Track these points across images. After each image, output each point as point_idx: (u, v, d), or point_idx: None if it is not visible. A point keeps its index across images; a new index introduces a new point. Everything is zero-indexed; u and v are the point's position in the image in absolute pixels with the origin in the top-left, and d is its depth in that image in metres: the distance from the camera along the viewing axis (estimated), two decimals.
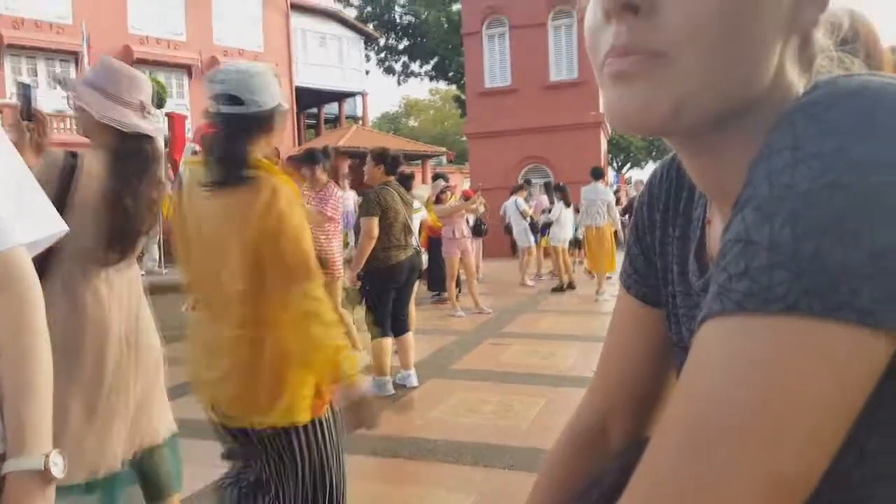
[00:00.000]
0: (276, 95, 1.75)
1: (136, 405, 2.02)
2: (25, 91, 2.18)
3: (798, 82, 0.48)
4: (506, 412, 4.14)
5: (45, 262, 1.93)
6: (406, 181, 6.48)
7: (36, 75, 19.33)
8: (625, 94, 0.45)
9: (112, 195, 1.97)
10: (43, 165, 1.99)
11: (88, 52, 16.68)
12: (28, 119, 2.13)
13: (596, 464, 0.71)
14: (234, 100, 1.69)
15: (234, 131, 1.68)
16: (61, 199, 1.92)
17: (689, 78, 0.43)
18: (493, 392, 4.60)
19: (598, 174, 9.13)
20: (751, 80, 0.45)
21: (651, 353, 0.70)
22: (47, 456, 0.91)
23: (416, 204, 6.00)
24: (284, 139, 24.05)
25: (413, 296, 5.03)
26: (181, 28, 21.44)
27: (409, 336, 4.83)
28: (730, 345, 0.38)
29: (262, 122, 1.71)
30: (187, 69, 20.65)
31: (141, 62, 19.86)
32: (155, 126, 2.11)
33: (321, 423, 1.75)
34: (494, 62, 17.43)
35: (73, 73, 19.51)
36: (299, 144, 22.35)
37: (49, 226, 1.04)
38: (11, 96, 17.53)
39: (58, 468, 0.92)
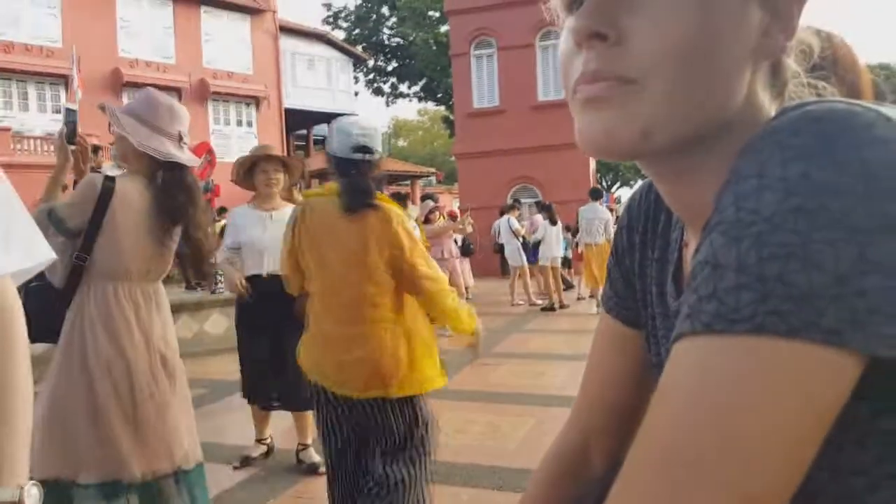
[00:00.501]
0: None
1: (172, 422, 2.10)
2: (70, 117, 2.25)
3: (769, 107, 0.49)
4: (494, 432, 4.12)
5: (74, 277, 2.07)
6: (400, 201, 6.52)
7: (26, 98, 19.31)
8: (594, 120, 0.47)
9: (171, 225, 2.16)
10: (82, 187, 2.11)
11: (78, 76, 16.71)
12: (72, 143, 2.21)
13: (579, 485, 0.71)
14: (368, 150, 2.18)
15: (368, 172, 2.19)
16: (96, 220, 2.07)
17: (657, 103, 0.45)
18: (482, 412, 4.58)
19: (596, 195, 9.60)
20: (719, 106, 0.46)
21: (631, 374, 0.70)
22: (22, 488, 0.90)
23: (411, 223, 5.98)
24: None
25: None
26: (170, 51, 21.53)
27: None
28: (699, 365, 0.38)
29: (378, 165, 2.23)
30: (177, 91, 20.68)
31: (130, 85, 19.91)
32: (189, 156, 2.20)
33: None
34: (482, 83, 17.59)
35: (62, 97, 19.50)
36: None
37: (37, 255, 1.05)
38: (3, 119, 17.50)
39: (32, 500, 0.91)
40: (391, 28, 32.19)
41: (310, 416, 3.34)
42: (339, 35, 30.34)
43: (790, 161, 0.38)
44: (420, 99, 33.51)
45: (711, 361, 0.38)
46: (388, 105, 44.09)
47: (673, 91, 0.45)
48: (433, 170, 28.08)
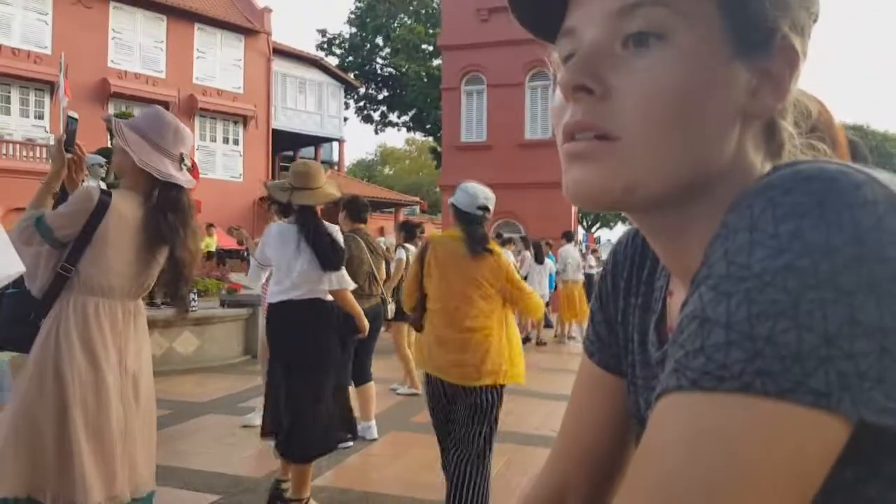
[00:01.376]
0: None
1: (132, 447, 2.05)
2: (72, 125, 2.24)
3: (762, 166, 0.50)
4: None
5: (55, 287, 2.03)
6: (411, 230, 6.55)
7: (9, 103, 19.14)
8: (578, 175, 0.48)
9: (160, 245, 2.14)
10: (77, 198, 2.09)
11: (65, 83, 16.63)
12: (69, 151, 2.19)
13: None
14: (487, 209, 2.97)
15: (483, 225, 2.99)
16: (87, 233, 2.04)
17: (639, 160, 0.46)
18: None
19: (569, 237, 11.05)
20: (702, 163, 0.47)
21: (612, 421, 0.69)
22: None
23: (402, 254, 5.97)
24: (257, 181, 24.08)
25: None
26: (161, 65, 21.56)
27: (371, 386, 4.75)
28: (685, 422, 0.37)
29: (489, 220, 3.06)
30: (165, 105, 20.62)
31: (117, 96, 19.86)
32: (188, 178, 2.19)
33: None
34: (471, 118, 17.80)
35: (46, 103, 19.36)
36: None
37: (6, 267, 1.03)
38: None
39: None
40: (384, 58, 32.60)
41: (308, 470, 3.18)
42: (333, 61, 30.64)
43: (782, 218, 0.38)
44: (409, 129, 33.84)
45: (698, 419, 0.37)
46: (376, 132, 44.53)
47: (655, 148, 0.45)
48: (417, 199, 28.19)
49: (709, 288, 0.39)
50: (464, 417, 2.89)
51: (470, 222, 2.92)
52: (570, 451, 0.71)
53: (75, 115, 2.30)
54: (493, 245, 2.99)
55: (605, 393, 0.69)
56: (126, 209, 2.09)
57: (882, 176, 0.39)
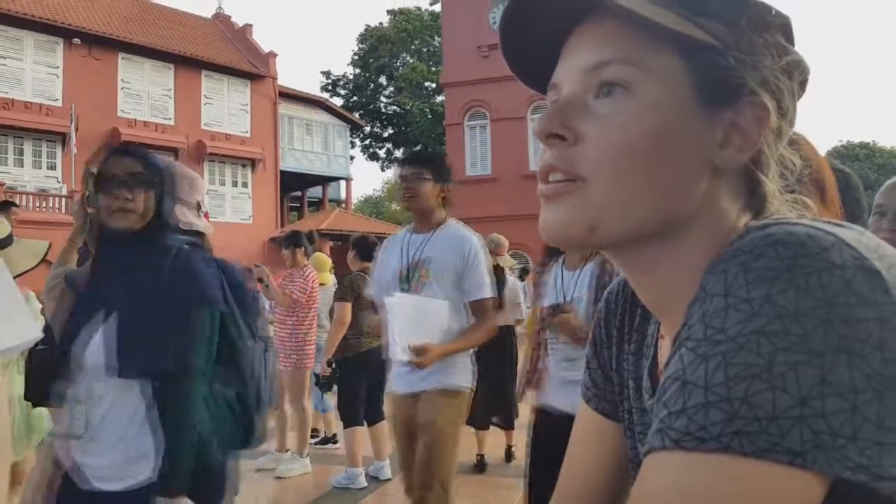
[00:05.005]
0: None
1: None
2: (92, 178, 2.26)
3: (739, 216, 0.51)
4: None
5: None
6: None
7: (21, 154, 19.49)
8: (548, 214, 0.52)
9: None
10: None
11: (76, 134, 16.96)
12: (91, 206, 2.19)
13: None
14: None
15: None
16: None
17: (603, 201, 0.49)
18: (470, 484, 4.46)
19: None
20: (667, 207, 0.49)
21: (610, 468, 0.69)
22: None
23: None
24: (267, 222, 24.10)
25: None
26: (170, 113, 21.94)
27: (384, 425, 4.71)
28: (669, 481, 0.39)
29: None
30: (174, 151, 20.97)
31: (128, 144, 20.14)
32: (205, 223, 2.22)
33: None
34: (475, 152, 17.97)
35: (58, 154, 19.71)
36: (282, 226, 22.49)
37: (26, 332, 1.06)
38: None
39: None
40: (388, 97, 33.05)
41: None
42: (337, 102, 31.09)
43: (753, 283, 0.40)
44: None
45: (680, 478, 0.38)
46: (382, 170, 44.81)
47: (617, 190, 0.49)
48: None
49: (688, 350, 0.41)
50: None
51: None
52: (570, 496, 0.72)
53: (95, 170, 2.33)
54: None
55: (602, 439, 0.70)
56: None
57: (849, 236, 0.41)
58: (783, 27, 0.52)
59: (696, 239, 0.50)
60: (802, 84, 0.53)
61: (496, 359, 4.49)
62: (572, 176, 0.50)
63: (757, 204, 0.52)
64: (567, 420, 2.39)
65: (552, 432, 2.36)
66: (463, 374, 2.59)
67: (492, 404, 4.67)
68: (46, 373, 2.02)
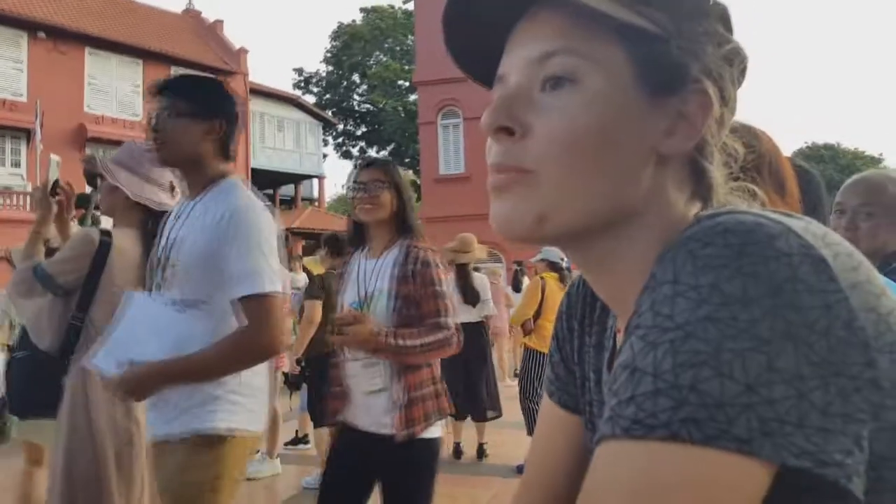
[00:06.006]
0: None
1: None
2: (53, 168, 2.19)
3: (687, 205, 0.52)
4: None
5: (71, 339, 1.94)
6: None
7: None
8: (497, 206, 0.52)
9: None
10: (76, 241, 2.00)
11: (42, 131, 16.57)
12: (55, 194, 2.14)
13: None
14: (564, 260, 4.61)
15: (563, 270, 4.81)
16: (94, 277, 1.95)
17: (550, 193, 0.49)
18: (440, 483, 4.46)
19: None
20: (613, 198, 0.50)
21: (572, 461, 0.70)
22: None
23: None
24: None
25: None
26: (138, 109, 21.56)
27: None
28: (619, 469, 0.39)
29: None
30: None
31: (95, 141, 19.77)
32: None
33: None
34: (449, 150, 17.98)
35: (23, 151, 19.24)
36: None
37: None
38: None
39: None
40: (361, 95, 32.91)
41: None
42: (310, 99, 30.86)
43: (701, 270, 0.40)
44: None
45: (630, 466, 0.38)
46: (355, 168, 44.67)
47: (564, 181, 0.49)
48: None
49: (638, 338, 0.41)
50: None
51: (559, 269, 4.95)
52: (533, 487, 0.72)
53: (58, 158, 2.26)
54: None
55: (564, 432, 0.70)
56: (128, 246, 2.03)
57: (797, 225, 0.41)
58: (722, 16, 0.52)
59: (646, 230, 0.51)
60: (742, 72, 0.53)
61: (467, 353, 4.56)
62: (520, 170, 0.50)
63: (703, 192, 0.53)
64: (371, 439, 2.01)
65: (351, 450, 2.11)
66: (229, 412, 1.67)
67: (464, 398, 4.78)
68: (34, 380, 1.94)
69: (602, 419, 0.42)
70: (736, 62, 0.52)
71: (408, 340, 1.96)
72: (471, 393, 5.00)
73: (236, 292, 1.57)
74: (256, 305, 1.56)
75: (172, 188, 2.15)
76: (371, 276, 2.09)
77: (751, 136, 0.80)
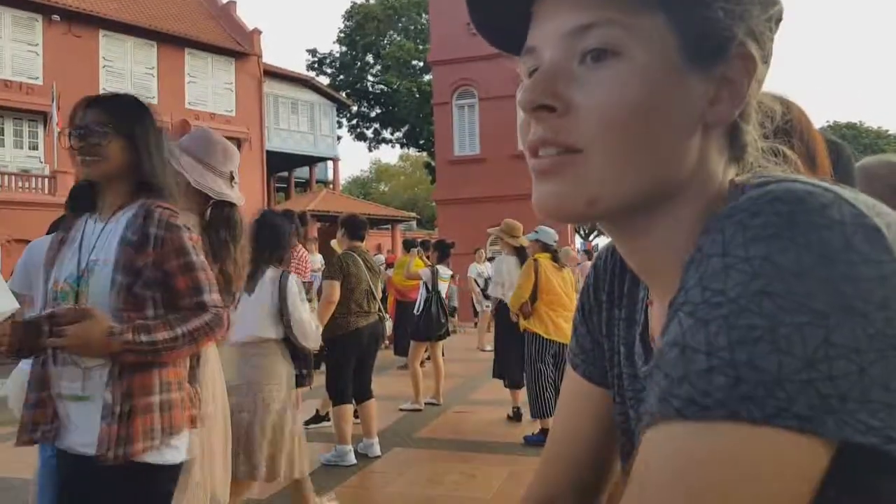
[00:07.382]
0: None
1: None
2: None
3: (725, 171, 0.51)
4: (469, 482, 4.04)
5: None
6: (445, 250, 6.82)
7: (2, 135, 19.16)
8: (543, 190, 0.49)
9: (213, 261, 2.07)
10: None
11: (58, 113, 16.66)
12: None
13: None
14: (556, 240, 5.12)
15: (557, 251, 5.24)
16: None
17: (602, 172, 0.47)
18: (457, 461, 4.50)
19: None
20: (665, 171, 0.48)
21: (596, 433, 0.69)
22: None
23: (444, 272, 6.56)
24: (254, 202, 24.07)
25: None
26: (154, 90, 21.62)
27: (372, 403, 4.73)
28: (674, 452, 0.38)
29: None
30: None
31: None
32: (238, 195, 2.25)
33: None
34: (464, 131, 17.87)
35: (40, 134, 19.40)
36: (269, 207, 22.34)
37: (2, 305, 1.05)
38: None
39: None
40: (375, 76, 32.74)
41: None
42: (324, 80, 30.76)
43: (752, 241, 0.38)
44: (402, 145, 33.91)
45: (687, 448, 0.37)
46: (370, 150, 44.56)
47: (616, 159, 0.47)
48: (414, 214, 28.23)
49: (687, 314, 0.39)
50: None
51: (551, 249, 5.18)
52: (556, 465, 0.72)
53: None
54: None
55: (589, 405, 0.70)
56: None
57: (848, 194, 0.40)
58: None
59: (689, 200, 0.49)
60: (777, 22, 0.51)
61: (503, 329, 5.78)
62: (567, 148, 0.47)
63: (737, 153, 0.51)
64: (76, 464, 1.49)
65: (75, 481, 1.59)
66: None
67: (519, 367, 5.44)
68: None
69: (650, 399, 0.41)
70: (775, 17, 0.50)
71: (159, 333, 1.51)
72: (504, 364, 5.81)
73: None
74: None
75: (232, 178, 2.23)
76: (96, 243, 1.61)
77: (782, 105, 0.78)
